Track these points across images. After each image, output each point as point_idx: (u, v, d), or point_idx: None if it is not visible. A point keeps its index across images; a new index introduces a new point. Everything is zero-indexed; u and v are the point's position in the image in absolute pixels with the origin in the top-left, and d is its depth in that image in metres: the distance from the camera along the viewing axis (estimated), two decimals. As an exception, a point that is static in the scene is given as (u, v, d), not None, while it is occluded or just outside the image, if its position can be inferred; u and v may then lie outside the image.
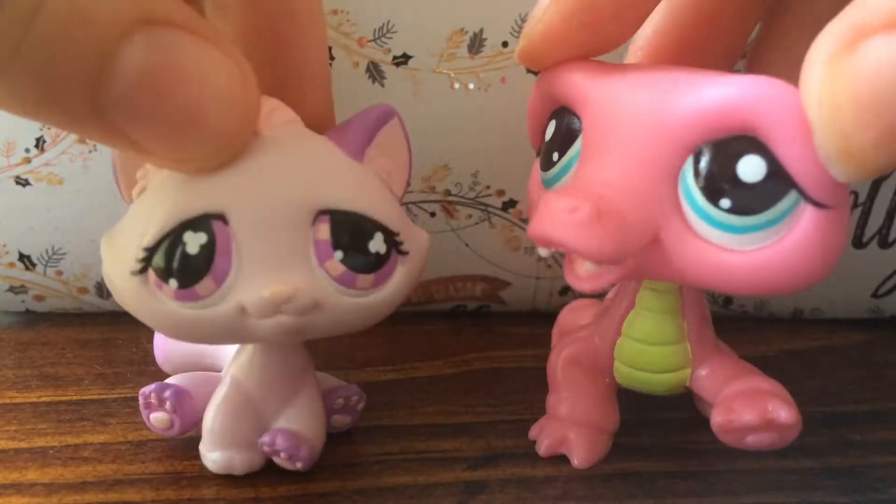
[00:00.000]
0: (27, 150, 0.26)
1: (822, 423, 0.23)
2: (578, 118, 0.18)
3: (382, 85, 0.25)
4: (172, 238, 0.16)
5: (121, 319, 0.29)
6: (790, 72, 0.20)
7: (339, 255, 0.17)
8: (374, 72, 0.25)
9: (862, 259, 0.28)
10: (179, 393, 0.20)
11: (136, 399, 0.23)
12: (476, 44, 0.25)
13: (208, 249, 0.16)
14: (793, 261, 0.16)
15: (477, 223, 0.28)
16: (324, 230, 0.17)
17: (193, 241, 0.16)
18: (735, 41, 0.21)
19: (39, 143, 0.26)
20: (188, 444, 0.21)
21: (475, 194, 0.27)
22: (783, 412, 0.17)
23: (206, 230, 0.16)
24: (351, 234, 0.17)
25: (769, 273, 0.16)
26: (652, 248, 0.16)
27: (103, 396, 0.23)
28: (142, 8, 0.14)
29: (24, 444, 0.21)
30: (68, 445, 0.21)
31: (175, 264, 0.16)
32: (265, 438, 0.19)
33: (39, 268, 0.27)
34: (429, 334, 0.29)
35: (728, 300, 0.30)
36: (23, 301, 0.28)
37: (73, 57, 0.13)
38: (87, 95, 0.14)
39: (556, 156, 0.18)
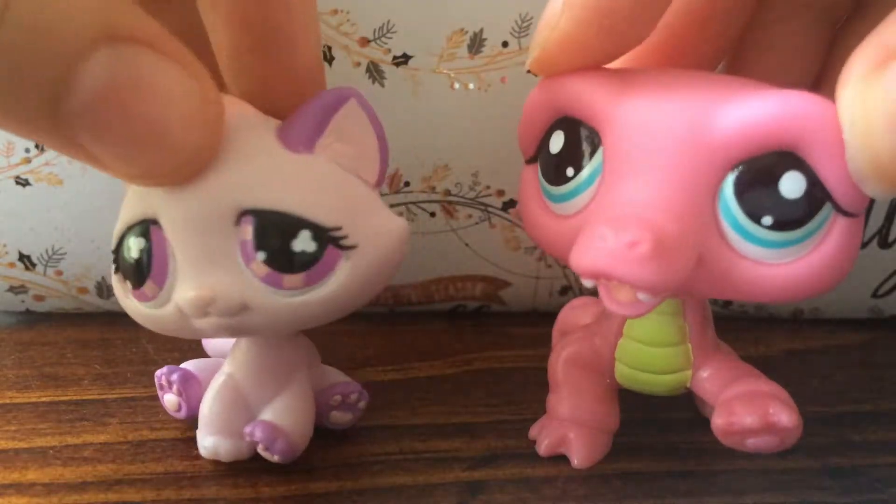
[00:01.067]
0: (27, 150, 0.26)
1: (822, 423, 0.23)
2: (595, 132, 0.17)
3: (382, 85, 0.25)
4: (122, 242, 0.18)
5: (121, 319, 0.28)
6: (769, 60, 0.20)
7: (261, 255, 0.17)
8: (374, 72, 0.25)
9: (862, 259, 0.28)
10: (186, 376, 0.21)
11: (136, 399, 0.23)
12: (476, 44, 0.25)
13: (147, 253, 0.17)
14: (826, 269, 0.16)
15: (477, 223, 0.28)
16: (247, 231, 0.17)
17: (135, 246, 0.17)
18: (724, 43, 0.21)
19: (39, 144, 0.26)
20: (188, 443, 0.21)
21: (475, 194, 0.27)
22: (784, 415, 0.17)
23: (144, 235, 0.17)
24: (272, 233, 0.17)
25: (803, 282, 0.16)
26: (695, 270, 0.16)
27: (103, 396, 0.23)
28: (106, 23, 0.14)
29: (24, 444, 0.21)
30: (68, 445, 0.21)
31: (125, 266, 0.18)
32: (247, 429, 0.19)
33: (39, 268, 0.27)
34: (429, 334, 0.29)
35: (728, 301, 0.30)
36: (23, 301, 0.28)
37: (35, 68, 0.13)
38: (48, 107, 0.14)
39: (570, 171, 0.18)
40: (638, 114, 0.16)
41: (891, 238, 0.28)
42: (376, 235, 0.18)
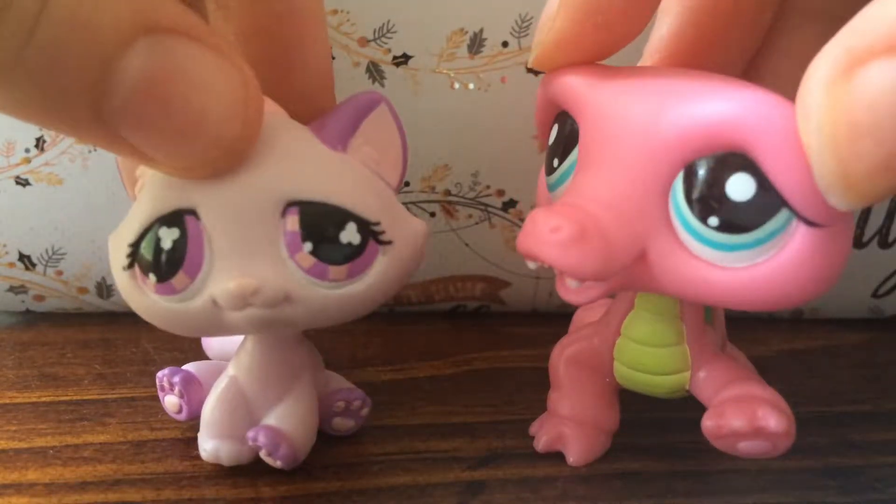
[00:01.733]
0: (27, 150, 0.26)
1: (822, 423, 0.23)
2: (576, 123, 0.18)
3: (382, 85, 0.25)
4: (149, 234, 0.17)
5: (121, 319, 0.29)
6: (786, 67, 0.20)
7: (308, 246, 0.17)
8: (374, 72, 0.25)
9: (862, 259, 0.28)
10: (187, 378, 0.21)
11: (136, 399, 0.23)
12: (476, 44, 0.25)
13: (181, 244, 0.17)
14: (785, 279, 0.15)
15: (477, 223, 0.28)
16: (293, 221, 0.17)
17: (167, 237, 0.17)
18: (751, 40, 0.21)
19: (39, 143, 0.26)
20: (188, 444, 0.21)
21: (475, 194, 0.27)
22: (772, 420, 0.17)
23: (178, 225, 0.17)
24: (321, 224, 0.17)
25: (759, 290, 0.15)
26: (639, 264, 0.16)
27: (103, 396, 0.23)
28: (144, 15, 0.14)
29: (24, 444, 0.21)
30: (68, 445, 0.21)
31: (152, 259, 0.17)
32: (250, 433, 0.19)
33: (39, 268, 0.27)
34: (429, 334, 0.29)
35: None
36: (23, 301, 0.28)
37: (76, 64, 0.13)
38: (90, 103, 0.14)
39: (556, 161, 0.18)
40: (603, 105, 0.17)
41: (891, 238, 0.28)
42: (406, 234, 0.18)
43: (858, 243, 0.28)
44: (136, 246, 0.17)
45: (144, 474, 0.20)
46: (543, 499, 0.20)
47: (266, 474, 0.20)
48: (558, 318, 0.27)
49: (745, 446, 0.18)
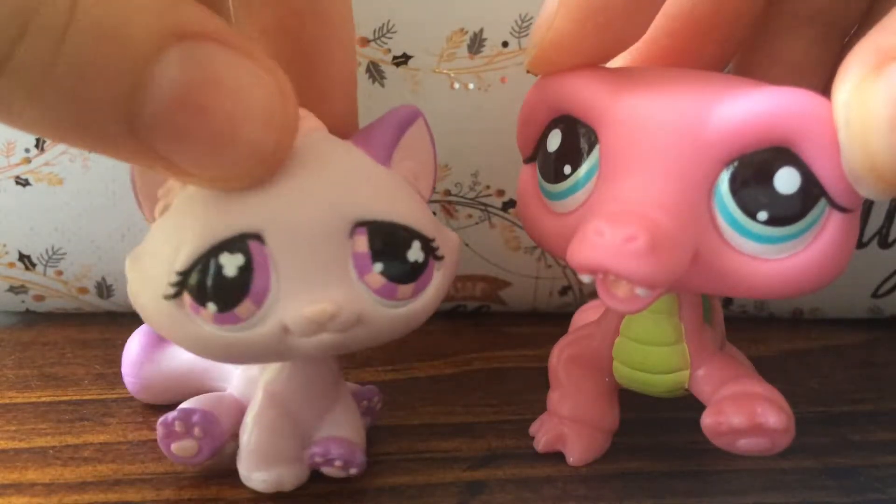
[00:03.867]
0: (27, 150, 0.26)
1: (822, 423, 0.23)
2: (592, 129, 0.17)
3: (382, 85, 0.25)
4: (207, 261, 0.16)
5: (121, 319, 0.29)
6: (775, 74, 0.20)
7: (378, 266, 0.16)
8: (374, 72, 0.25)
9: (862, 259, 0.28)
10: (207, 417, 0.19)
11: (136, 399, 0.23)
12: (476, 44, 0.25)
13: (246, 271, 0.16)
14: (822, 264, 0.16)
15: (477, 223, 0.28)
16: (362, 242, 0.16)
17: (230, 264, 0.16)
18: (730, 47, 0.21)
19: (39, 143, 0.26)
20: (188, 444, 0.21)
21: (475, 194, 0.27)
22: (772, 417, 0.17)
23: (242, 251, 0.16)
24: (389, 244, 0.17)
25: (800, 278, 0.16)
26: (691, 265, 0.16)
27: (103, 396, 0.23)
28: (173, 22, 0.13)
29: (24, 444, 0.21)
30: (68, 445, 0.21)
31: (212, 288, 0.16)
32: (316, 449, 0.19)
33: (39, 268, 0.27)
34: (429, 334, 0.29)
35: (728, 300, 0.30)
36: (23, 301, 0.28)
37: (106, 76, 0.13)
38: (122, 116, 0.13)
39: (568, 169, 0.18)
40: (634, 111, 0.16)
41: (891, 238, 0.28)
42: (450, 247, 0.18)
43: (858, 243, 0.28)
44: (186, 274, 0.16)
45: (144, 474, 0.20)
46: (543, 499, 0.20)
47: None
48: (558, 318, 0.27)
49: (745, 443, 0.18)
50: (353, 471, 0.19)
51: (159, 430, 0.19)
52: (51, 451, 0.21)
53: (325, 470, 0.19)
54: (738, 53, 0.21)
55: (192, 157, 0.14)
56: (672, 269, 0.15)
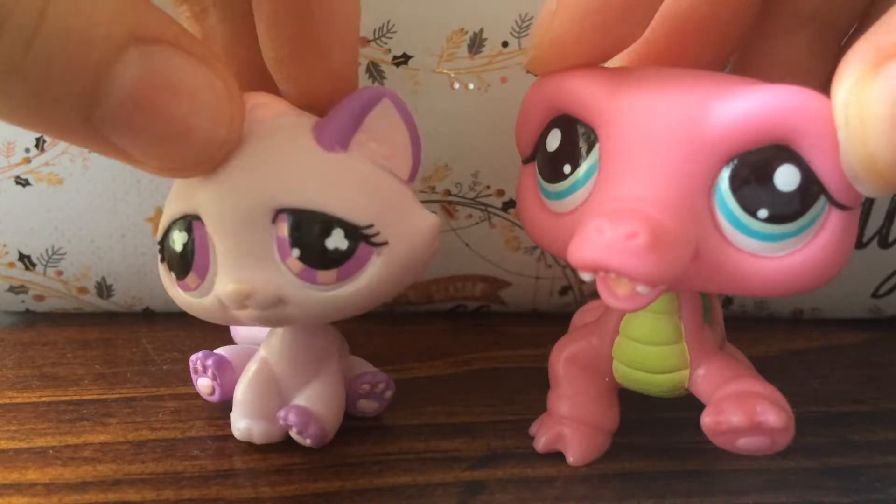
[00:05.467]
0: (27, 150, 0.26)
1: (822, 423, 0.23)
2: (591, 129, 0.17)
3: (382, 85, 0.25)
4: (166, 235, 0.18)
5: (121, 319, 0.29)
6: (773, 74, 0.20)
7: (296, 252, 0.17)
8: (374, 72, 0.25)
9: (862, 259, 0.28)
10: (221, 361, 0.22)
11: (136, 399, 0.23)
12: (476, 44, 0.25)
13: (189, 247, 0.18)
14: (822, 261, 0.16)
15: (477, 223, 0.28)
16: (283, 228, 0.17)
17: (178, 240, 0.18)
18: (727, 47, 0.21)
19: (39, 143, 0.26)
20: (188, 443, 0.21)
21: (475, 194, 0.27)
22: (772, 416, 0.17)
23: (186, 229, 0.18)
24: (307, 232, 0.17)
25: (800, 275, 0.16)
26: (691, 263, 0.16)
27: (103, 396, 0.23)
28: (134, 25, 0.14)
29: (24, 444, 0.21)
30: (68, 445, 0.21)
31: (169, 259, 0.19)
32: (281, 413, 0.20)
33: (39, 268, 0.27)
34: (429, 334, 0.29)
35: (728, 300, 0.30)
36: (23, 301, 0.28)
37: (70, 75, 0.14)
38: (82, 110, 0.14)
39: (567, 168, 0.18)
40: (634, 110, 0.16)
41: (891, 238, 0.28)
42: (407, 232, 0.18)
43: (858, 243, 0.28)
44: (162, 243, 0.19)
45: (144, 474, 0.20)
46: (543, 499, 0.20)
47: (266, 474, 0.20)
48: (558, 318, 0.27)
49: (745, 443, 0.18)
50: (307, 440, 0.20)
51: (190, 366, 0.22)
52: (51, 451, 0.21)
53: (291, 434, 0.20)
54: (736, 53, 0.21)
55: (145, 150, 0.15)
56: (673, 267, 0.15)
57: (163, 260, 0.19)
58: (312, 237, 0.17)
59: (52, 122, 0.14)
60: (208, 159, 0.17)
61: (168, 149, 0.16)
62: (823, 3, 0.20)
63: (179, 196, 0.18)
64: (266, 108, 0.18)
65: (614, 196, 0.16)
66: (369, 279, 0.18)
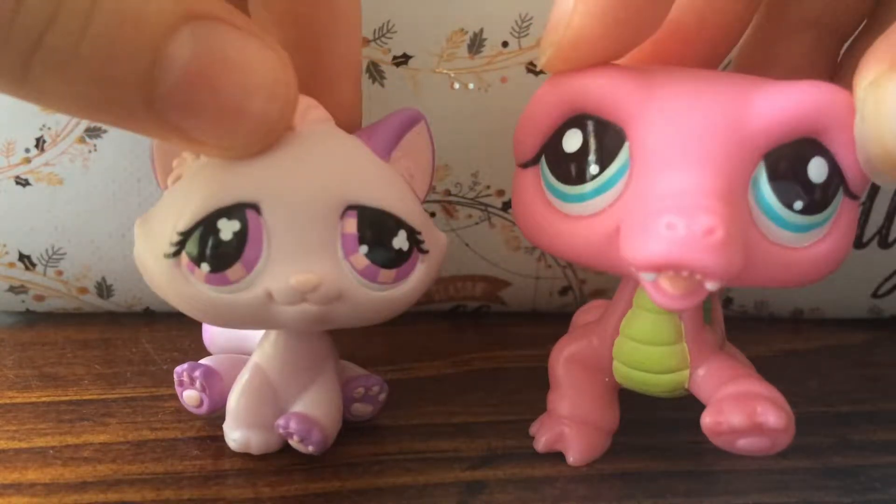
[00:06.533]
0: (27, 150, 0.26)
1: (822, 423, 0.23)
2: (620, 128, 0.17)
3: (382, 85, 0.25)
4: (206, 224, 0.17)
5: (121, 319, 0.29)
6: (774, 76, 0.20)
7: (364, 249, 0.18)
8: (374, 72, 0.25)
9: (862, 259, 0.28)
10: (208, 372, 0.21)
11: (136, 399, 0.23)
12: (476, 44, 0.25)
13: (240, 237, 0.17)
14: (839, 250, 0.17)
15: (477, 223, 0.28)
16: (351, 224, 0.17)
17: (227, 228, 0.17)
18: (724, 46, 0.21)
19: (39, 143, 0.26)
20: (188, 443, 0.21)
21: (475, 194, 0.27)
22: (772, 416, 0.17)
23: (239, 218, 0.17)
24: (376, 229, 0.18)
25: (821, 265, 0.17)
26: None
27: (103, 396, 0.23)
28: (185, 3, 0.14)
29: (24, 444, 0.21)
30: (68, 445, 0.21)
31: (208, 249, 0.17)
32: (280, 421, 0.20)
33: (39, 268, 0.27)
34: (429, 334, 0.29)
35: (728, 300, 0.30)
36: (23, 301, 0.28)
37: (126, 55, 0.14)
38: (142, 91, 0.14)
39: (595, 169, 0.17)
40: (672, 108, 0.17)
41: (891, 238, 0.28)
42: (435, 245, 0.19)
43: (858, 243, 0.28)
44: (186, 235, 0.17)
45: (144, 474, 0.20)
46: (543, 499, 0.20)
47: (266, 474, 0.20)
48: (558, 318, 0.27)
49: (745, 443, 0.18)
50: (310, 448, 0.20)
51: (175, 378, 0.21)
52: (51, 451, 0.21)
53: (290, 442, 0.20)
54: (737, 57, 0.21)
55: (203, 127, 0.15)
56: (741, 261, 0.16)
57: (177, 253, 0.17)
58: (382, 235, 0.18)
59: (115, 105, 0.14)
60: (266, 134, 0.17)
61: (228, 125, 0.16)
62: (826, 8, 0.20)
63: (224, 185, 0.17)
64: (318, 110, 0.18)
65: (662, 193, 0.16)
66: (415, 283, 0.19)
